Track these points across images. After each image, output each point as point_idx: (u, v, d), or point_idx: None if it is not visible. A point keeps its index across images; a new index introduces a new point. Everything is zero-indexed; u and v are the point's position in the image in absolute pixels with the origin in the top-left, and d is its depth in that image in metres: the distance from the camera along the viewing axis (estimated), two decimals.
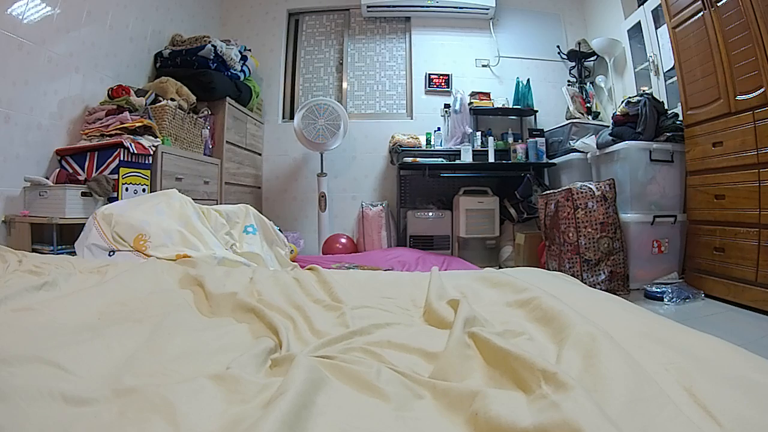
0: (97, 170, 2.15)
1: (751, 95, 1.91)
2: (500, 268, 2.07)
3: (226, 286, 1.00)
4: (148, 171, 2.29)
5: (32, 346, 0.58)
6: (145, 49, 2.98)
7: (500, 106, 3.63)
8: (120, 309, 0.83)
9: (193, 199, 1.92)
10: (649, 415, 0.40)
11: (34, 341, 0.62)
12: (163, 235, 1.61)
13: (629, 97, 2.62)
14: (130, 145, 2.15)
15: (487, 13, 3.80)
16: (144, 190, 2.25)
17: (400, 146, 3.42)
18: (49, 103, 2.18)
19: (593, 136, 2.86)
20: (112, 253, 1.55)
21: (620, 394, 0.44)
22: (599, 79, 3.58)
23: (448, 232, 3.40)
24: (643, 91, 2.88)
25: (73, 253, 1.66)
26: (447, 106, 3.63)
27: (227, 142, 3.14)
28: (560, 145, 3.27)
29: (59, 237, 1.96)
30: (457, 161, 3.29)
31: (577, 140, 2.94)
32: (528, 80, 3.66)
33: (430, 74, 3.86)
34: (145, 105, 2.44)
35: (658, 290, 2.18)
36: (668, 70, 2.79)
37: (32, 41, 2.05)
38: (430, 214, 3.40)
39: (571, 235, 2.37)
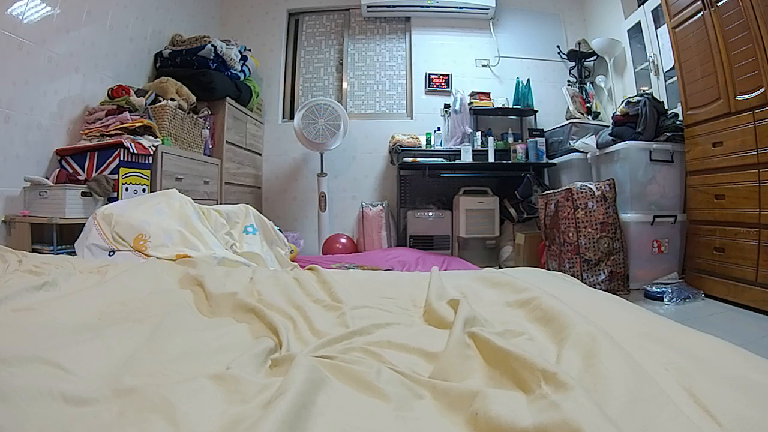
0: (97, 170, 2.15)
1: (751, 95, 1.91)
2: (500, 268, 2.07)
3: (226, 286, 1.00)
4: (148, 171, 2.29)
5: (32, 346, 0.58)
6: (145, 49, 2.98)
7: (500, 106, 3.63)
8: (120, 309, 0.83)
9: (193, 199, 1.92)
10: (649, 415, 0.40)
11: (34, 341, 0.62)
12: (163, 235, 1.61)
13: (629, 97, 2.62)
14: (130, 145, 2.15)
15: (487, 13, 3.80)
16: (144, 190, 2.25)
17: (400, 146, 3.42)
18: (49, 103, 2.18)
19: (593, 136, 2.86)
20: (112, 253, 1.55)
21: (620, 394, 0.44)
22: (599, 79, 3.58)
23: (448, 232, 3.40)
24: (643, 91, 2.88)
25: (73, 253, 1.66)
26: (447, 106, 3.63)
27: (227, 142, 3.14)
28: (560, 145, 3.27)
29: (59, 237, 1.96)
30: (457, 161, 3.29)
31: (577, 140, 2.94)
32: (528, 80, 3.66)
33: (430, 74, 3.86)
34: (145, 105, 2.44)
35: (658, 290, 2.18)
36: (668, 70, 2.79)
37: (32, 41, 2.05)
38: (430, 214, 3.40)
39: (571, 235, 2.37)
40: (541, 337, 0.67)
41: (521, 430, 0.38)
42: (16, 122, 2.00)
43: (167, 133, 2.52)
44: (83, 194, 2.02)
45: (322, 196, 3.41)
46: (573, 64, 3.75)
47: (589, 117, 3.40)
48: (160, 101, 2.58)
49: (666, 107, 2.61)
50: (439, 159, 3.35)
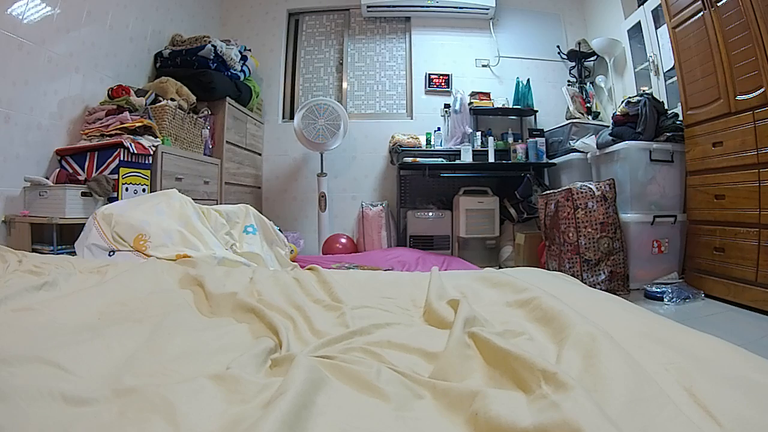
0: (97, 170, 2.15)
1: (751, 95, 1.91)
2: (500, 268, 2.07)
3: (226, 286, 1.00)
4: (148, 171, 2.29)
5: (32, 346, 0.58)
6: (145, 49, 2.98)
7: (500, 106, 3.63)
8: (120, 309, 0.83)
9: (193, 199, 1.92)
10: (649, 415, 0.40)
11: (34, 341, 0.62)
12: (163, 235, 1.61)
13: (629, 97, 2.62)
14: (130, 145, 2.15)
15: (487, 13, 3.80)
16: (144, 190, 2.25)
17: (400, 146, 3.42)
18: (49, 103, 2.18)
19: (593, 136, 2.86)
20: (112, 253, 1.55)
21: (620, 394, 0.44)
22: (599, 79, 3.58)
23: (448, 232, 3.40)
24: (643, 91, 2.88)
25: (73, 253, 1.66)
26: (447, 106, 3.63)
27: (227, 142, 3.14)
28: (560, 145, 3.27)
29: (59, 237, 1.96)
30: (457, 161, 3.29)
31: (577, 140, 2.94)
32: (528, 80, 3.66)
33: (430, 74, 3.86)
34: (145, 105, 2.44)
35: (658, 290, 2.18)
36: (668, 70, 2.79)
37: (32, 41, 2.05)
38: (430, 214, 3.40)
39: (571, 235, 2.37)
40: (541, 337, 0.67)
41: (521, 430, 0.38)
42: (16, 122, 2.00)
43: (167, 133, 2.52)
44: (83, 194, 2.02)
45: (322, 196, 3.41)
46: (573, 64, 3.75)
47: (589, 117, 3.40)
48: (160, 101, 2.58)
49: (666, 107, 2.61)
50: (439, 159, 3.35)
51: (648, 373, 0.48)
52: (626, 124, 2.57)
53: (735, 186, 2.03)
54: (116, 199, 2.09)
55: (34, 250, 1.88)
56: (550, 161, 3.28)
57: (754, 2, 1.85)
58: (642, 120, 2.46)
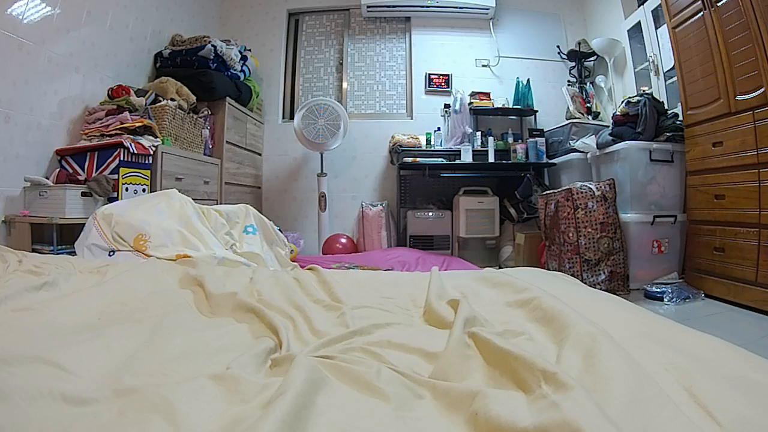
0: (97, 170, 2.15)
1: (751, 95, 1.91)
2: (500, 268, 2.07)
3: (226, 286, 1.00)
4: (148, 171, 2.29)
5: (32, 346, 0.58)
6: (145, 49, 2.98)
7: (500, 106, 3.63)
8: (120, 309, 0.83)
9: (193, 199, 1.92)
10: (649, 415, 0.40)
11: (34, 341, 0.62)
12: (163, 235, 1.61)
13: (629, 97, 2.62)
14: (130, 145, 2.15)
15: (487, 13, 3.80)
16: (144, 190, 2.25)
17: (400, 146, 3.42)
18: (49, 103, 2.18)
19: (593, 136, 2.86)
20: (112, 253, 1.55)
21: (620, 394, 0.44)
22: (599, 79, 3.58)
23: (448, 232, 3.40)
24: (643, 91, 2.88)
25: (73, 253, 1.66)
26: (447, 106, 3.63)
27: (227, 142, 3.14)
28: (560, 145, 3.27)
29: (59, 237, 1.96)
30: (457, 161, 3.29)
31: (577, 140, 2.94)
32: (528, 80, 3.66)
33: (430, 74, 3.86)
34: (145, 105, 2.44)
35: (658, 290, 2.18)
36: (668, 70, 2.79)
37: (32, 41, 2.05)
38: (430, 214, 3.40)
39: (571, 235, 2.37)
40: (541, 337, 0.67)
41: (521, 430, 0.38)
42: (16, 122, 2.00)
43: (167, 133, 2.52)
44: (83, 194, 2.02)
45: (322, 196, 3.41)
46: (573, 64, 3.75)
47: (589, 117, 3.40)
48: (160, 101, 2.58)
49: (666, 107, 2.61)
50: (439, 159, 3.35)
51: (648, 373, 0.48)
52: (626, 124, 2.57)
53: (735, 186, 2.03)
54: (116, 199, 2.09)
55: (34, 250, 1.88)
56: (550, 161, 3.28)
57: (754, 2, 1.85)
58: (642, 120, 2.46)
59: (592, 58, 3.67)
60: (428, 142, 3.51)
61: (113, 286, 0.96)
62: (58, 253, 1.82)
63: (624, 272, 2.36)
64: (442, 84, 3.84)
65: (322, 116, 3.31)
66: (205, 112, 3.01)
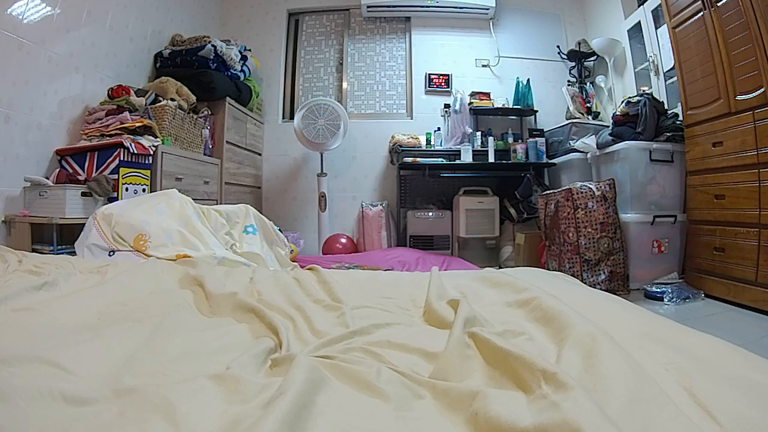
0: (97, 170, 2.15)
1: (751, 95, 1.91)
2: (500, 268, 2.07)
3: (226, 286, 1.00)
4: (148, 171, 2.29)
5: (32, 346, 0.58)
6: (145, 49, 2.98)
7: (500, 106, 3.63)
8: (120, 309, 0.83)
9: (193, 199, 1.92)
10: (649, 415, 0.40)
11: (34, 341, 0.62)
12: (163, 235, 1.61)
13: (629, 97, 2.62)
14: (130, 145, 2.15)
15: (487, 13, 3.80)
16: (144, 190, 2.25)
17: (400, 146, 3.42)
18: (49, 103, 2.18)
19: (593, 136, 2.86)
20: (112, 253, 1.55)
21: (620, 394, 0.44)
22: (599, 79, 3.58)
23: (448, 232, 3.40)
24: (643, 91, 2.88)
25: (73, 253, 1.66)
26: (447, 106, 3.63)
27: (227, 142, 3.14)
28: (560, 145, 3.27)
29: (59, 237, 1.96)
30: (457, 161, 3.29)
31: (577, 140, 2.94)
32: (528, 80, 3.66)
33: (430, 74, 3.86)
34: (145, 105, 2.44)
35: (658, 290, 2.18)
36: (668, 70, 2.79)
37: (32, 41, 2.05)
38: (430, 214, 3.40)
39: (571, 235, 2.37)
40: (541, 337, 0.67)
41: (521, 430, 0.38)
42: (16, 122, 2.00)
43: (167, 133, 2.52)
44: (83, 194, 2.02)
45: (322, 196, 3.41)
46: (573, 64, 3.75)
47: (589, 117, 3.40)
48: (160, 101, 2.58)
49: (666, 107, 2.61)
50: (439, 159, 3.35)
51: (648, 373, 0.48)
52: (626, 124, 2.57)
53: (735, 186, 2.03)
54: (116, 199, 2.09)
55: (34, 250, 1.88)
56: (550, 161, 3.28)
57: (754, 2, 1.85)
58: (642, 120, 2.46)
59: (592, 58, 3.67)
60: (428, 142, 3.51)
61: (113, 286, 0.96)
62: (58, 253, 1.82)
63: (624, 272, 2.36)
64: (442, 84, 3.84)
65: (322, 116, 3.31)
66: (205, 112, 3.01)
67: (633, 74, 3.25)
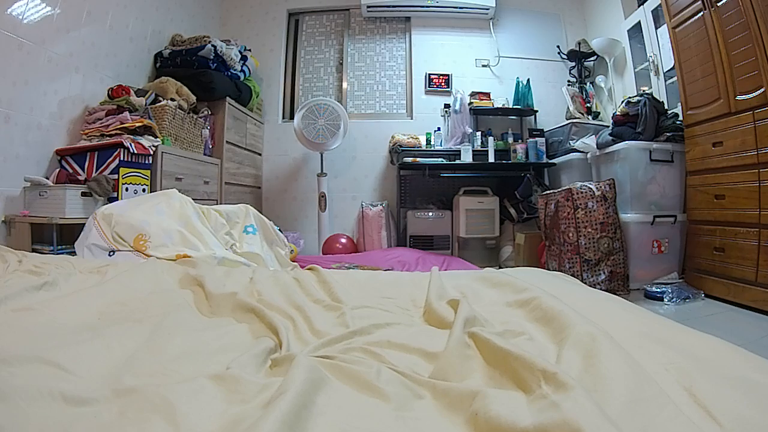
0: (97, 170, 2.15)
1: (751, 95, 1.91)
2: (500, 268, 2.07)
3: (226, 286, 1.00)
4: (148, 171, 2.29)
5: (32, 346, 0.58)
6: (145, 49, 2.98)
7: (500, 106, 3.63)
8: (120, 309, 0.83)
9: (193, 199, 1.92)
10: (649, 415, 0.40)
11: (34, 341, 0.62)
12: (163, 235, 1.61)
13: (629, 97, 2.62)
14: (130, 145, 2.15)
15: (487, 13, 3.80)
16: (144, 190, 2.25)
17: (400, 146, 3.42)
18: (49, 103, 2.18)
19: (593, 136, 2.86)
20: (112, 253, 1.55)
21: (620, 394, 0.44)
22: (599, 79, 3.58)
23: (448, 232, 3.40)
24: (643, 91, 2.88)
25: (73, 253, 1.66)
26: (447, 106, 3.63)
27: (227, 142, 3.14)
28: (560, 145, 3.27)
29: (59, 237, 1.96)
30: (457, 161, 3.29)
31: (577, 140, 2.94)
32: (528, 80, 3.66)
33: (430, 74, 3.86)
34: (145, 105, 2.44)
35: (658, 290, 2.18)
36: (668, 70, 2.79)
37: (32, 41, 2.05)
38: (430, 214, 3.40)
39: (571, 235, 2.37)
40: (541, 337, 0.67)
41: (521, 430, 0.38)
42: (16, 122, 2.00)
43: (167, 133, 2.52)
44: (83, 194, 2.02)
45: (322, 196, 3.41)
46: (573, 64, 3.75)
47: (589, 117, 3.40)
48: (160, 101, 2.58)
49: (666, 107, 2.61)
50: (439, 159, 3.35)
51: (648, 373, 0.48)
52: (626, 124, 2.57)
53: (735, 186, 2.03)
54: (116, 199, 2.09)
55: (34, 250, 1.88)
56: (550, 161, 3.28)
57: (754, 2, 1.85)
58: (642, 120, 2.46)
59: (592, 58, 3.67)
60: (428, 142, 3.51)
61: (113, 286, 0.96)
62: (58, 253, 1.82)
63: (624, 272, 2.36)
64: (442, 84, 3.84)
65: (322, 116, 3.31)
66: (205, 112, 3.01)
67: (633, 74, 3.25)
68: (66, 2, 2.23)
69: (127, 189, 2.16)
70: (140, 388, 0.48)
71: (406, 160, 3.30)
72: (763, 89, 1.85)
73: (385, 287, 1.08)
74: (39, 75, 2.10)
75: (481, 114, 3.65)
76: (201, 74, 2.94)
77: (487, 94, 3.63)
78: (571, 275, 1.93)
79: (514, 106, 3.65)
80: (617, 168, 2.56)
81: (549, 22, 3.95)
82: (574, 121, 3.21)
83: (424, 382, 0.52)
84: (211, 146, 3.05)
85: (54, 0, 2.17)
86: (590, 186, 2.42)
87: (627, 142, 2.47)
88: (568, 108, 3.44)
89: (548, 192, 2.65)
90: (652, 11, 2.92)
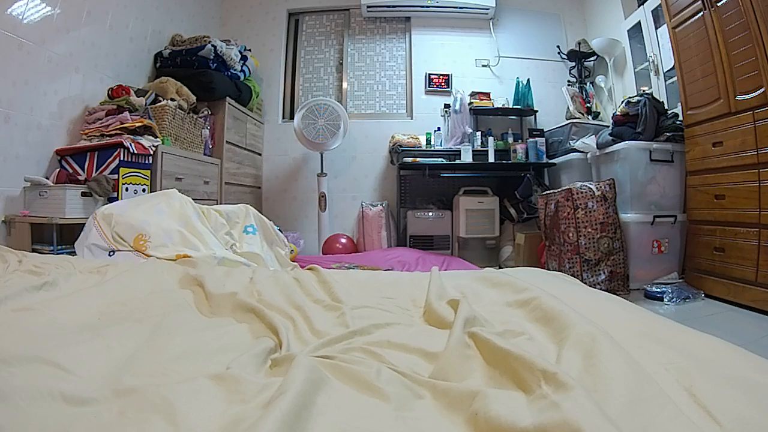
0: (97, 170, 2.15)
1: (751, 95, 1.91)
2: (500, 268, 2.07)
3: (226, 286, 1.00)
4: (148, 171, 2.29)
5: (32, 346, 0.58)
6: (145, 49, 2.98)
7: (500, 106, 3.63)
8: (120, 309, 0.83)
9: (193, 199, 1.92)
10: (649, 415, 0.40)
11: (34, 341, 0.62)
12: (163, 235, 1.61)
13: (629, 97, 2.62)
14: (130, 145, 2.15)
15: (487, 13, 3.80)
16: (144, 190, 2.25)
17: (400, 146, 3.42)
18: (49, 103, 2.18)
19: (593, 136, 2.86)
20: (112, 253, 1.55)
21: (620, 394, 0.44)
22: (599, 79, 3.58)
23: (448, 232, 3.40)
24: (643, 91, 2.88)
25: (73, 253, 1.66)
26: (447, 106, 3.63)
27: (227, 142, 3.14)
28: (560, 145, 3.27)
29: (59, 237, 1.96)
30: (457, 161, 3.29)
31: (577, 140, 2.94)
32: (528, 80, 3.66)
33: (430, 74, 3.86)
34: (145, 105, 2.44)
35: (658, 290, 2.18)
36: (668, 70, 2.79)
37: (32, 41, 2.05)
38: (430, 214, 3.40)
39: (571, 235, 2.37)
40: (541, 337, 0.67)
41: (521, 430, 0.38)
42: (16, 122, 2.00)
43: (167, 133, 2.52)
44: (83, 194, 2.02)
45: (322, 196, 3.41)
46: (573, 64, 3.75)
47: (589, 117, 3.40)
48: (160, 101, 2.58)
49: (666, 107, 2.61)
50: (439, 159, 3.35)
51: (648, 373, 0.48)
52: (626, 124, 2.57)
53: (735, 186, 2.03)
54: (116, 199, 2.09)
55: (34, 250, 1.88)
56: (550, 161, 3.28)
57: (754, 2, 1.85)
58: (642, 120, 2.46)
59: (592, 58, 3.67)
60: (428, 142, 3.51)
61: (113, 286, 0.96)
62: (58, 253, 1.82)
63: (624, 272, 2.36)
64: (442, 84, 3.84)
65: (322, 116, 3.31)
66: (205, 112, 3.01)
67: (633, 74, 3.25)
68: (66, 2, 2.23)
69: (127, 189, 2.16)
70: (140, 388, 0.48)
71: (406, 160, 3.30)
72: (763, 89, 1.85)
73: (385, 287, 1.08)
74: (39, 75, 2.10)
75: (481, 114, 3.65)
76: (201, 74, 2.94)
77: (487, 94, 3.63)
78: (571, 275, 1.93)
79: (514, 106, 3.65)
80: (617, 168, 2.56)
81: (549, 22, 3.95)
82: (574, 121, 3.21)
83: (424, 382, 0.52)
84: (211, 146, 3.05)
85: (54, 0, 2.17)
86: (590, 186, 2.42)
87: (627, 142, 2.47)
88: (568, 108, 3.44)
89: (548, 192, 2.65)
90: (652, 11, 2.92)
